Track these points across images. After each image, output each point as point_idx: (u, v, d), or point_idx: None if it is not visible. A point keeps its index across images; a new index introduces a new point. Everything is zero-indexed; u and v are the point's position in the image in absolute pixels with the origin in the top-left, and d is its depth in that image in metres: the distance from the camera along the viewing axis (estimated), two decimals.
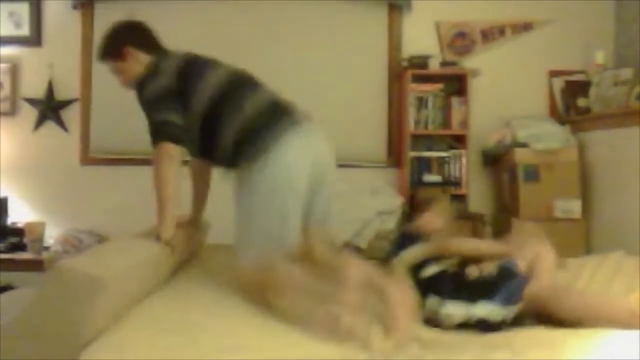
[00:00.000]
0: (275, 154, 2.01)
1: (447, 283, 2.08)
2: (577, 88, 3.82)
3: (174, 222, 2.14)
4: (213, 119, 2.11)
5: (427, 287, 2.11)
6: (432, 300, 2.04)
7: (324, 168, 2.22)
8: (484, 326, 1.92)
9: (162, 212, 2.10)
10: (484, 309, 1.95)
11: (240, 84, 2.21)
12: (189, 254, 2.51)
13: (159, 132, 2.11)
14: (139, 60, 2.28)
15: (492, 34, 4.01)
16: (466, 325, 1.94)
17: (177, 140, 2.10)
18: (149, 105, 2.15)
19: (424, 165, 3.84)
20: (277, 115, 2.11)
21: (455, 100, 3.81)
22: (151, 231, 2.13)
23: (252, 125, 2.07)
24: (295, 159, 2.05)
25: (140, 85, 2.20)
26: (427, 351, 1.70)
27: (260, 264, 1.98)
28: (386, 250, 2.66)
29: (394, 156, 3.97)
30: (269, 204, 2.01)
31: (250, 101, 2.13)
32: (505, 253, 2.21)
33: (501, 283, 2.01)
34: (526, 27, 4.01)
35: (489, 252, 2.24)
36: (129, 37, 2.32)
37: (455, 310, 1.98)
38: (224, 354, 1.53)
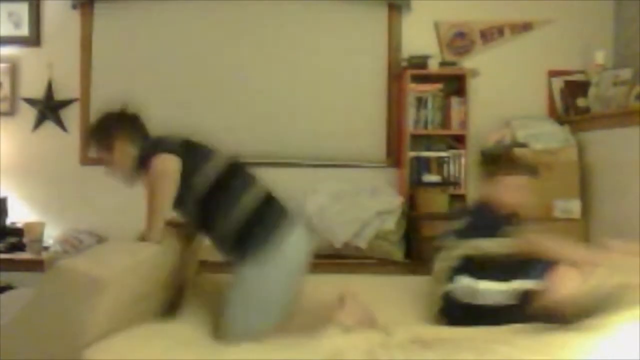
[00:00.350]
0: (284, 246, 2.06)
1: (476, 265, 2.09)
2: (576, 88, 3.82)
3: (162, 229, 2.11)
4: (210, 204, 2.11)
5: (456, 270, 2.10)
6: (465, 279, 2.03)
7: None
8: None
9: (151, 222, 2.06)
10: (527, 283, 1.94)
11: (238, 175, 2.21)
12: (188, 255, 2.51)
13: (154, 149, 2.08)
14: (126, 153, 2.21)
15: (491, 34, 4.01)
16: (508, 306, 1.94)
17: (174, 152, 2.07)
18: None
19: (423, 165, 3.84)
20: (278, 211, 2.15)
21: (454, 100, 3.81)
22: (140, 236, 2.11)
23: (254, 218, 2.09)
24: (300, 258, 2.14)
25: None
26: (427, 350, 1.71)
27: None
28: (457, 227, 2.39)
29: (394, 156, 3.97)
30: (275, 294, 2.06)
31: (248, 195, 2.14)
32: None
33: (533, 262, 2.01)
34: (525, 27, 4.01)
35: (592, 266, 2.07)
36: (118, 128, 2.25)
37: (492, 285, 1.97)
38: (223, 354, 1.54)
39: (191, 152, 2.14)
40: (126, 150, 2.21)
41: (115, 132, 2.22)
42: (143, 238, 2.05)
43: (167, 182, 2.03)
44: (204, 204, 2.11)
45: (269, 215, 2.10)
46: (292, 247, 2.09)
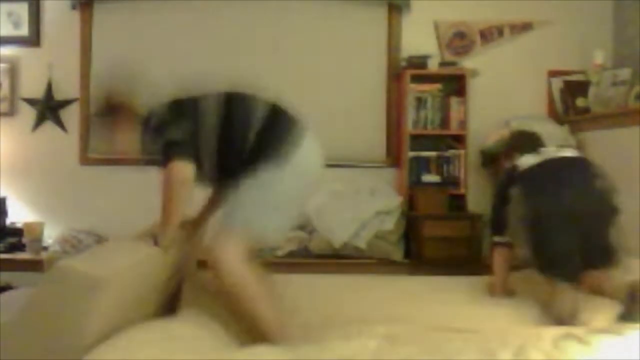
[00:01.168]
0: (300, 151, 2.09)
1: None
2: (576, 88, 3.82)
3: (175, 231, 2.11)
4: (226, 133, 2.11)
5: None
6: None
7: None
8: None
9: (166, 222, 2.06)
10: None
11: (242, 98, 2.24)
12: (187, 256, 2.50)
13: (168, 152, 2.06)
14: (129, 136, 2.24)
15: (491, 34, 4.01)
16: None
17: (187, 157, 2.05)
18: (155, 132, 2.12)
19: (422, 165, 3.84)
20: (288, 119, 2.19)
21: (454, 100, 3.81)
22: (150, 231, 2.12)
23: (267, 128, 2.12)
24: (315, 162, 2.18)
25: (145, 123, 2.16)
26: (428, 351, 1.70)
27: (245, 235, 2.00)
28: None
29: (393, 156, 3.97)
30: (292, 191, 2.09)
31: (258, 109, 2.17)
32: None
33: None
34: (525, 27, 4.01)
35: None
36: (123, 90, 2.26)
37: None
38: (227, 354, 1.54)
39: (194, 133, 2.12)
40: (129, 133, 2.22)
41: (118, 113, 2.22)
42: (154, 237, 2.06)
43: (182, 191, 2.05)
44: (218, 150, 2.12)
45: (279, 125, 2.15)
46: (304, 152, 2.12)
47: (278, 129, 2.13)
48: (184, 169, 2.04)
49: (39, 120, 3.91)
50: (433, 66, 3.87)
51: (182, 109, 2.13)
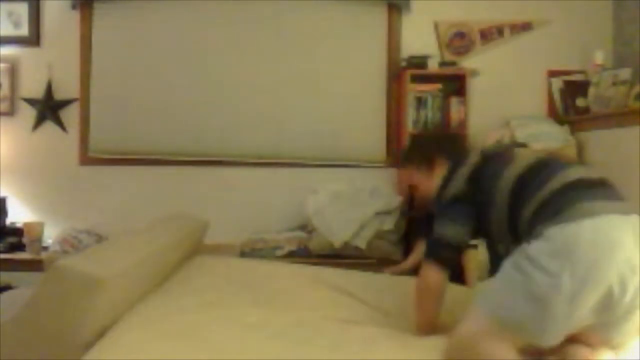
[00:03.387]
0: (588, 220, 1.59)
1: None
2: (576, 88, 3.83)
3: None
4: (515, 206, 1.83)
5: None
6: None
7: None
8: None
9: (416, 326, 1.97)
10: None
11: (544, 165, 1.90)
12: (189, 253, 2.51)
13: (431, 249, 2.00)
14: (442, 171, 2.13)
15: (490, 34, 4.01)
16: None
17: (445, 263, 1.93)
18: (437, 216, 2.05)
19: None
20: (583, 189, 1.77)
21: (454, 100, 3.81)
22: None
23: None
24: (613, 238, 1.56)
25: (436, 195, 2.10)
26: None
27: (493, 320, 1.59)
28: None
29: (393, 156, 3.97)
30: (545, 267, 1.53)
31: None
32: None
33: None
34: (525, 27, 4.01)
35: None
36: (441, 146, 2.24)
37: None
38: (229, 355, 1.54)
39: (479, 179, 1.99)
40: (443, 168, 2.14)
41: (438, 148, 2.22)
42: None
43: (429, 299, 1.95)
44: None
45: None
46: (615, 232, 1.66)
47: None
48: (433, 278, 1.92)
49: (39, 120, 3.90)
50: (433, 66, 3.87)
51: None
